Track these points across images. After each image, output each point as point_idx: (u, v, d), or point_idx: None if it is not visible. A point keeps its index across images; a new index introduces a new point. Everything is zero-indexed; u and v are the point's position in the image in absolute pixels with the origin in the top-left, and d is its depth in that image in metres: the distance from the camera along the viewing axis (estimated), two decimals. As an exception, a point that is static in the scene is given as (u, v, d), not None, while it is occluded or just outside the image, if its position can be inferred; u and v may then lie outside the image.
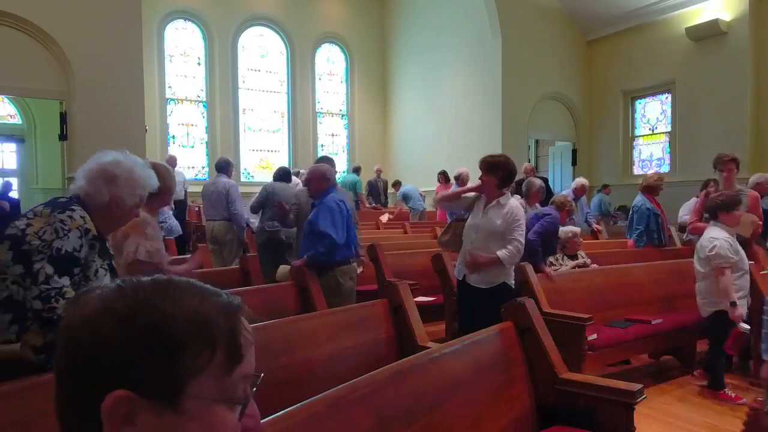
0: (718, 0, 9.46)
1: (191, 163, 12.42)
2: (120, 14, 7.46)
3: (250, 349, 0.65)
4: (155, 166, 2.93)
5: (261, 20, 13.07)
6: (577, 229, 4.88)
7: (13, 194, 10.92)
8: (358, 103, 14.40)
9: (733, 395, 3.70)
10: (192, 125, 12.53)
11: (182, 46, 12.32)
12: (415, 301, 2.95)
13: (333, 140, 14.37)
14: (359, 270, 4.09)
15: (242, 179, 12.33)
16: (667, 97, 10.83)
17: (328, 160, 4.25)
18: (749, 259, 4.01)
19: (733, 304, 3.63)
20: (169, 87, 12.21)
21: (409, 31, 13.55)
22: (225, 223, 6.04)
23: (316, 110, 14.05)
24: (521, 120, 11.10)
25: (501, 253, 3.34)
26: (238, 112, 12.93)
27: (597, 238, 6.93)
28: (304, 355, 2.41)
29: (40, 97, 8.51)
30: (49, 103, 8.97)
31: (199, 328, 0.60)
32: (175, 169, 8.75)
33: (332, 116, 14.39)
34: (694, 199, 5.81)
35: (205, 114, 12.61)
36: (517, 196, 5.17)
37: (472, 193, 3.61)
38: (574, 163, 11.98)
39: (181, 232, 6.17)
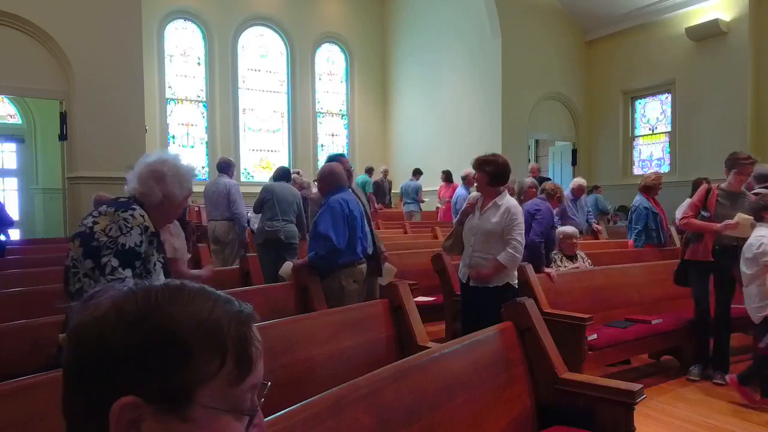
0: (718, 0, 9.46)
1: (191, 163, 12.39)
2: (120, 14, 7.46)
3: (260, 359, 0.64)
4: None
5: (261, 20, 13.07)
6: (571, 230, 4.85)
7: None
8: (358, 103, 14.40)
9: None
10: (192, 125, 12.54)
11: (182, 46, 12.33)
12: (415, 301, 2.95)
13: (333, 140, 14.37)
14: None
15: (242, 179, 12.33)
16: (667, 97, 10.83)
17: (336, 158, 4.16)
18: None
19: None
20: (169, 87, 12.21)
21: (409, 31, 13.55)
22: (226, 223, 6.05)
23: (316, 110, 14.06)
24: (521, 120, 11.11)
25: (501, 256, 3.33)
26: (238, 112, 12.94)
27: (597, 238, 6.93)
28: (304, 355, 2.40)
29: (40, 97, 8.51)
30: (49, 103, 8.98)
31: (210, 336, 0.59)
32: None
33: (332, 116, 14.39)
34: (688, 200, 5.80)
35: (205, 114, 12.61)
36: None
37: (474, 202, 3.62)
38: (574, 163, 11.99)
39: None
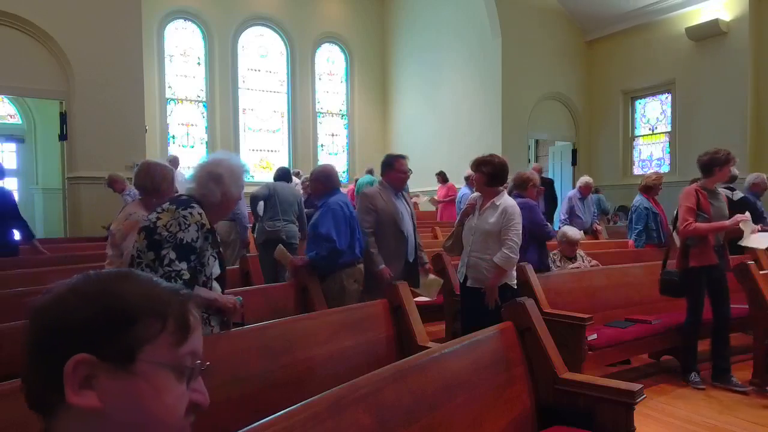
0: (718, 0, 9.46)
1: (191, 163, 12.42)
2: (120, 14, 7.47)
3: (197, 330, 0.73)
4: (150, 166, 2.98)
5: (261, 20, 13.07)
6: (574, 236, 4.77)
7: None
8: (358, 103, 14.40)
9: None
10: (192, 125, 12.54)
11: (182, 46, 12.32)
12: (415, 301, 2.95)
13: (333, 140, 14.37)
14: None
15: (242, 179, 12.31)
16: (667, 97, 10.82)
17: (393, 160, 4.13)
18: (749, 259, 4.00)
19: None
20: (169, 87, 12.21)
21: (409, 31, 13.55)
22: (228, 223, 6.03)
23: (316, 110, 14.05)
24: (521, 120, 11.11)
25: (496, 257, 3.35)
26: (238, 112, 12.94)
27: (597, 238, 6.93)
28: (304, 355, 2.40)
29: (40, 97, 8.51)
30: (49, 103, 8.98)
31: (153, 303, 0.68)
32: (177, 169, 8.74)
33: (332, 116, 14.39)
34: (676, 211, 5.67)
35: (205, 114, 12.61)
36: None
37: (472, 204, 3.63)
38: (574, 163, 11.98)
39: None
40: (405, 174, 3.96)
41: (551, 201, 8.53)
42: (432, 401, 1.87)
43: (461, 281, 3.61)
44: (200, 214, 2.17)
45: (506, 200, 3.49)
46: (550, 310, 3.62)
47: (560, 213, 7.41)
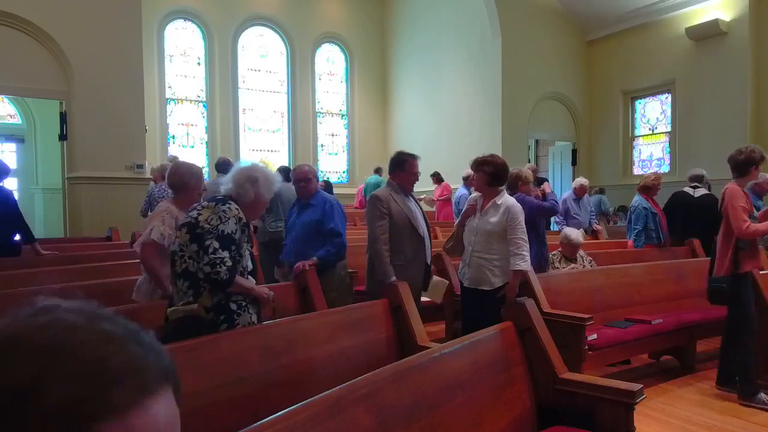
0: (718, 0, 9.46)
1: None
2: (120, 14, 7.46)
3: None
4: (177, 165, 3.13)
5: (261, 20, 13.06)
6: (577, 238, 4.75)
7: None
8: (358, 103, 14.40)
9: None
10: (192, 125, 12.53)
11: (182, 46, 12.32)
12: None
13: (333, 140, 14.37)
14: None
15: (242, 179, 12.31)
16: (667, 97, 10.82)
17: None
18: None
19: None
20: (169, 87, 12.21)
21: (409, 31, 13.55)
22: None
23: (316, 110, 14.05)
24: (521, 120, 11.11)
25: (511, 262, 3.35)
26: (238, 112, 12.93)
27: (597, 238, 6.93)
28: (304, 355, 2.41)
29: (40, 97, 8.50)
30: (49, 103, 8.97)
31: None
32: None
33: (332, 116, 14.39)
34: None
35: (205, 114, 12.61)
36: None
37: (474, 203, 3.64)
38: (574, 163, 11.98)
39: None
40: (415, 176, 3.75)
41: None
42: (432, 401, 1.87)
43: (462, 281, 3.62)
44: (237, 209, 2.38)
45: (507, 199, 3.49)
46: (550, 310, 3.62)
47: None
